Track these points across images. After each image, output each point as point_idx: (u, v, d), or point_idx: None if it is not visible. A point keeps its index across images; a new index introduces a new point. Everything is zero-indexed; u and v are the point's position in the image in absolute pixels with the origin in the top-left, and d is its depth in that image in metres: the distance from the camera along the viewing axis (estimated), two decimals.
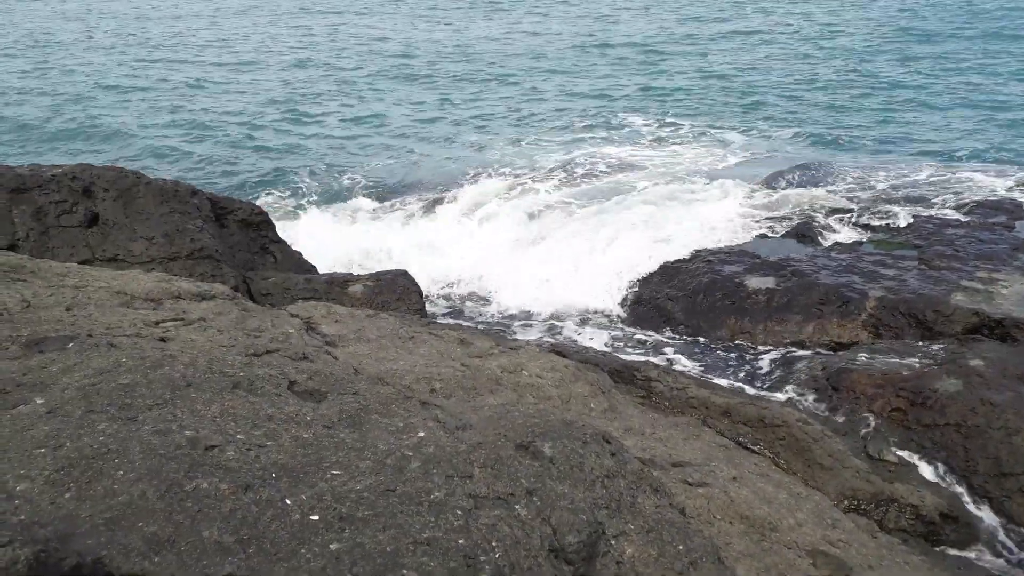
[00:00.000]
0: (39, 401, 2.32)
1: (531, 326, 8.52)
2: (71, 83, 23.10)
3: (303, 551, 1.86)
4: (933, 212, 10.59)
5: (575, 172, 14.14)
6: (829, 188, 12.12)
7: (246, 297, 5.38)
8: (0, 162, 7.72)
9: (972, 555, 4.70)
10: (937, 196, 11.31)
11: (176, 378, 2.59)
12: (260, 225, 8.13)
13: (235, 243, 7.72)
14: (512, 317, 8.86)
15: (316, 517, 1.99)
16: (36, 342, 2.83)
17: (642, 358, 6.98)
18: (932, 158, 14.38)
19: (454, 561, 1.95)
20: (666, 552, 2.40)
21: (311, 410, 2.61)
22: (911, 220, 10.14)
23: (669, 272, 9.11)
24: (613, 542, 2.35)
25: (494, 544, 2.06)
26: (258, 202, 11.19)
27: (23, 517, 1.76)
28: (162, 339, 3.19)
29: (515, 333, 8.08)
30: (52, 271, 4.06)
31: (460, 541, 2.02)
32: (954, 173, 12.85)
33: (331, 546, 1.90)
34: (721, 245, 9.70)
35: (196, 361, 2.78)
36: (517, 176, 13.87)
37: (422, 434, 2.57)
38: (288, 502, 2.02)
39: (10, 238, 6.43)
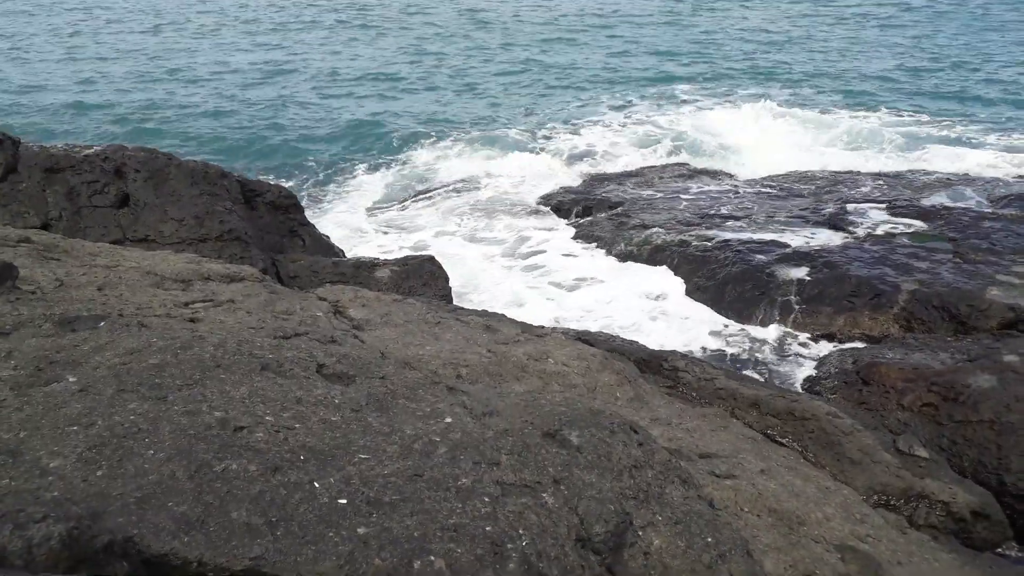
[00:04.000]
0: (71, 379, 2.34)
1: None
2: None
3: (331, 534, 1.86)
4: (969, 204, 10.39)
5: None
6: (864, 177, 11.93)
7: (274, 280, 5.40)
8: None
9: (1003, 554, 4.62)
10: (974, 188, 11.09)
11: (206, 359, 2.60)
12: (289, 208, 8.17)
13: (264, 226, 7.76)
14: None
15: (344, 501, 1.98)
16: (68, 320, 2.85)
17: (669, 347, 6.92)
18: (970, 148, 14.09)
19: (481, 548, 1.93)
20: (694, 544, 2.37)
21: (339, 393, 2.61)
22: (946, 212, 9.95)
23: (698, 261, 9.02)
24: (641, 533, 2.33)
25: (521, 532, 2.04)
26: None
27: (56, 494, 1.78)
28: (192, 320, 3.21)
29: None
30: (84, 251, 4.10)
31: (487, 528, 2.01)
32: (993, 164, 12.59)
33: (359, 530, 1.90)
34: (751, 234, 9.59)
35: (226, 342, 2.79)
36: None
37: (449, 420, 2.56)
38: (316, 485, 2.02)
39: (43, 217, 6.51)
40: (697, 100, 18.16)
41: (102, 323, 2.86)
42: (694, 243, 9.37)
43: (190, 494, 1.88)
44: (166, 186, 7.02)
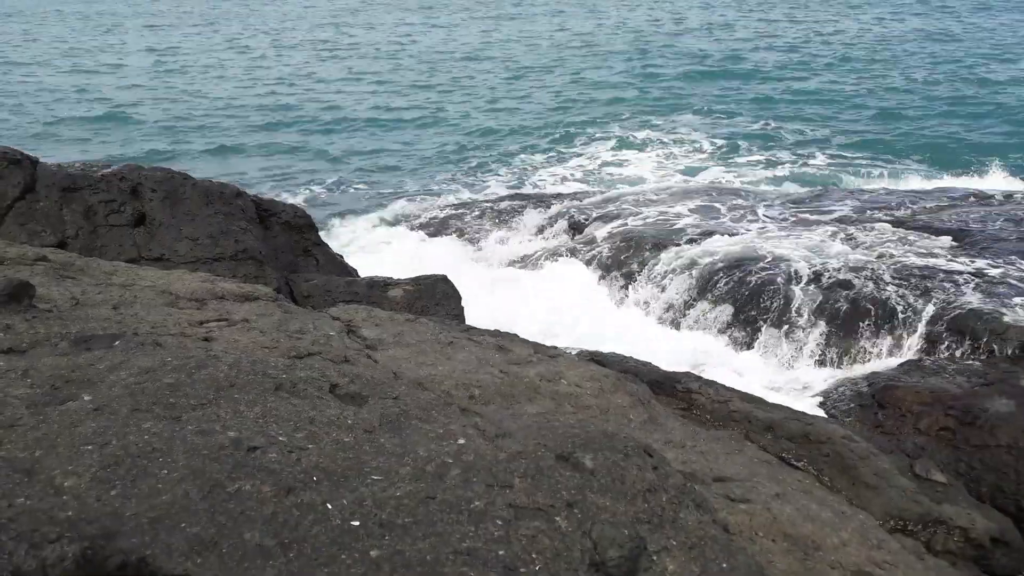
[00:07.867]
0: (87, 398, 2.35)
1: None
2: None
3: (343, 557, 1.85)
4: (989, 225, 10.31)
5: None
6: (882, 199, 11.88)
7: (288, 299, 5.42)
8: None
9: None
10: (993, 210, 11.01)
11: (220, 378, 2.61)
12: (303, 228, 8.21)
13: (278, 245, 7.80)
14: None
15: (356, 523, 1.97)
16: (84, 339, 2.87)
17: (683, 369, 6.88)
18: (990, 170, 14.01)
19: (494, 572, 1.92)
20: (709, 569, 2.34)
21: (352, 414, 2.60)
22: (965, 234, 9.88)
23: (710, 281, 8.99)
24: (655, 557, 2.30)
25: (534, 556, 2.03)
26: None
27: (70, 513, 1.78)
28: (206, 339, 3.22)
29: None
30: (100, 269, 4.13)
31: (500, 552, 1.99)
32: (1012, 186, 12.51)
33: (371, 553, 1.88)
34: (763, 253, 9.54)
35: (239, 362, 2.79)
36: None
37: (462, 441, 2.55)
38: (329, 506, 2.01)
39: (60, 236, 6.57)
40: None
41: (117, 342, 2.88)
42: (701, 261, 9.34)
43: (203, 515, 1.87)
44: (182, 205, 7.08)
